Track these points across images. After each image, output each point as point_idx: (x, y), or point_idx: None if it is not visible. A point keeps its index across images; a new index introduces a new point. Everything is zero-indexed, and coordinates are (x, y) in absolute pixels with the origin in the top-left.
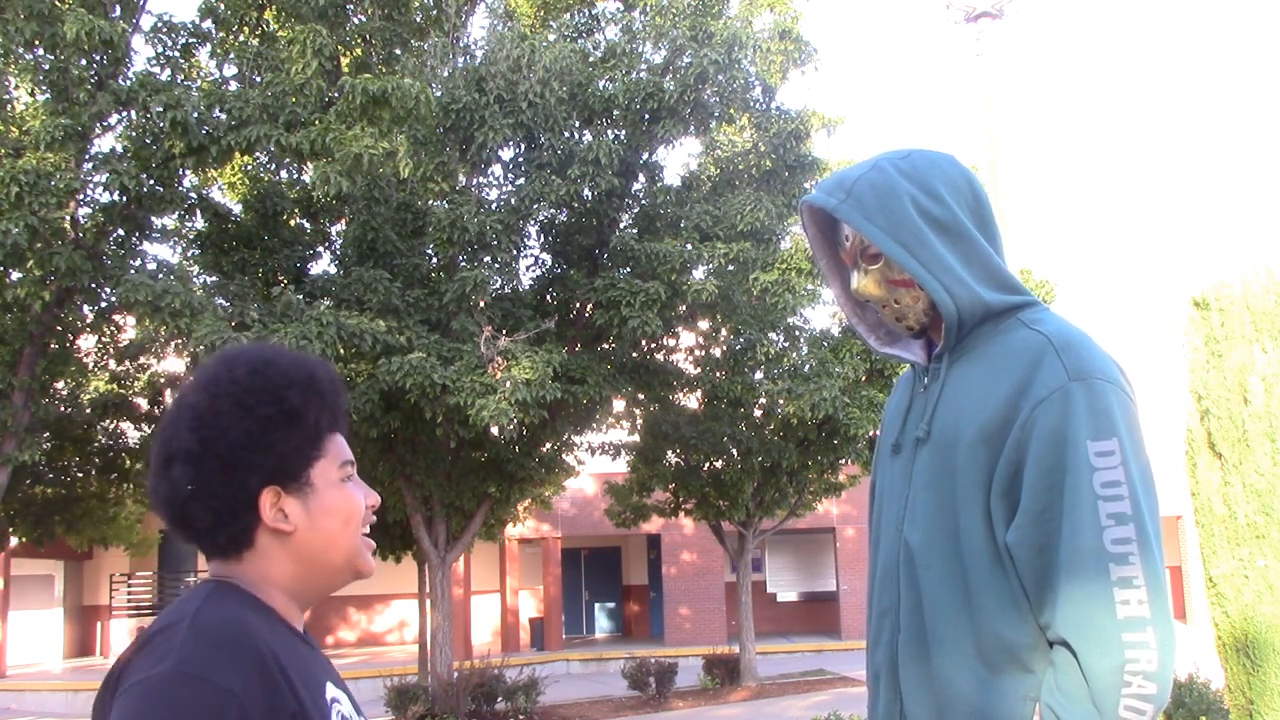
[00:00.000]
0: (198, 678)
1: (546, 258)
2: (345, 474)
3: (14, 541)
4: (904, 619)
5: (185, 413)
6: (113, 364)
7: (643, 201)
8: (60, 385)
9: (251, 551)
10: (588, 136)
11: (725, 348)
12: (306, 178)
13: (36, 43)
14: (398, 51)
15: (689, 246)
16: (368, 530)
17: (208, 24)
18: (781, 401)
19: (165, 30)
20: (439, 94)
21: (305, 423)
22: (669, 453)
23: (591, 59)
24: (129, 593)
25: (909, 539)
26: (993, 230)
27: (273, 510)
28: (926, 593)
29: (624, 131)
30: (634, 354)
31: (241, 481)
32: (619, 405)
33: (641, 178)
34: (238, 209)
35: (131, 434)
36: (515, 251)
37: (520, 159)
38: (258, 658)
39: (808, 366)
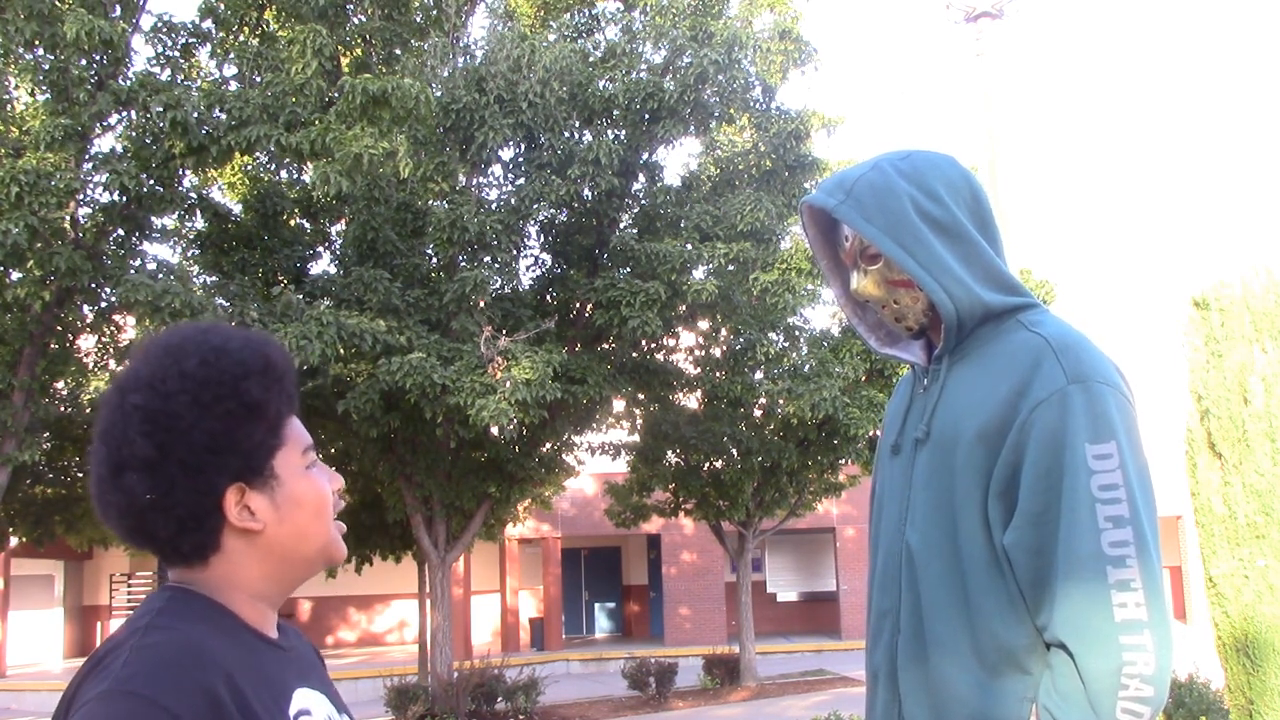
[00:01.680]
0: (136, 695)
1: (546, 258)
2: (309, 460)
3: (14, 541)
4: (904, 620)
5: (134, 415)
6: (113, 364)
7: (643, 201)
8: (60, 385)
9: (218, 555)
10: (588, 136)
11: (725, 348)
12: (306, 178)
13: (36, 43)
14: (398, 51)
15: (689, 246)
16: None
17: (208, 24)
18: (781, 401)
19: (165, 30)
20: (439, 94)
21: (267, 414)
22: (669, 453)
23: (591, 59)
24: (129, 592)
25: (909, 540)
26: (992, 231)
27: (238, 509)
28: (925, 593)
29: (624, 131)
30: (634, 354)
31: (206, 486)
32: (619, 405)
33: (641, 178)
34: (238, 209)
35: None
36: (515, 251)
37: (520, 159)
38: (205, 680)
39: (808, 366)
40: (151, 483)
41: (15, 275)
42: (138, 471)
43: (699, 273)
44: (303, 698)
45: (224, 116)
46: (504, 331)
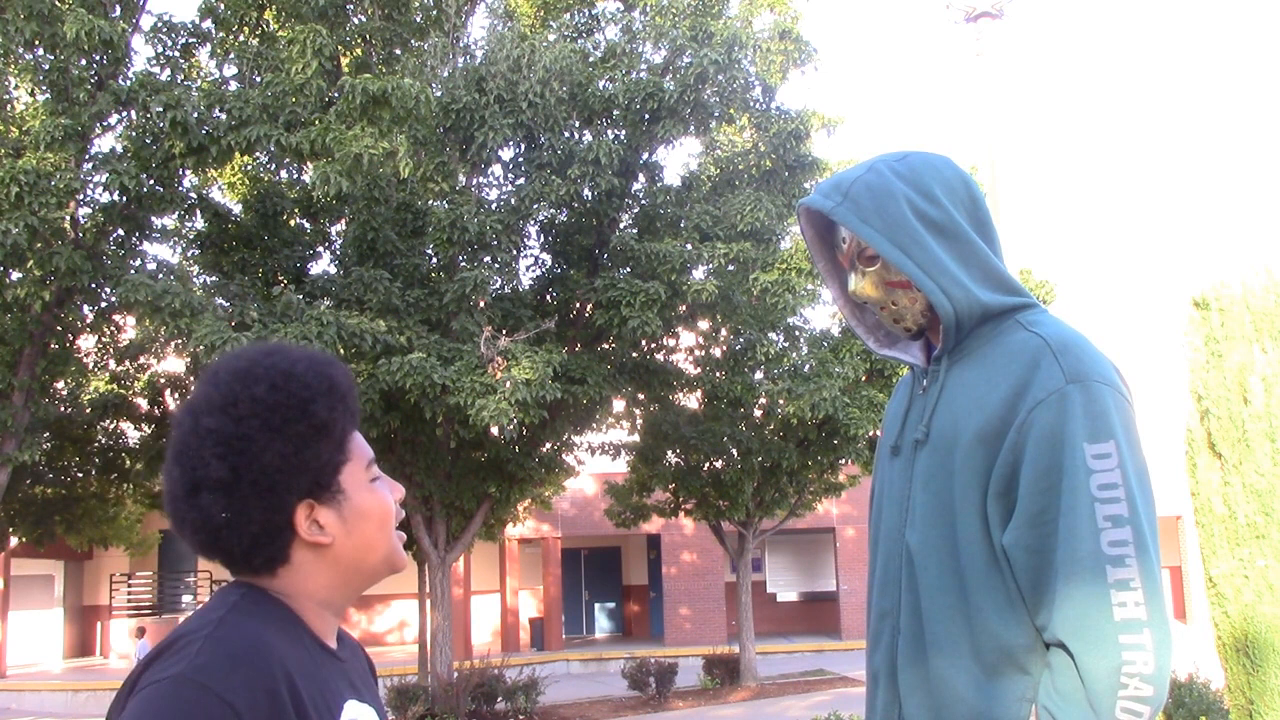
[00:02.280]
0: (204, 686)
1: (546, 258)
2: (373, 474)
3: (14, 541)
4: (903, 621)
5: (208, 439)
6: (113, 364)
7: (643, 201)
8: (60, 385)
9: (285, 567)
10: (588, 136)
11: (725, 348)
12: (306, 178)
13: (36, 43)
14: (398, 51)
15: (689, 246)
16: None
17: (208, 24)
18: (781, 401)
19: (165, 30)
20: (439, 94)
21: (333, 433)
22: (669, 453)
23: (591, 59)
24: (129, 593)
25: (909, 541)
26: (990, 231)
27: (309, 524)
28: (925, 594)
29: (624, 131)
30: (634, 354)
31: (278, 504)
32: (619, 405)
33: (641, 178)
34: (238, 209)
35: (131, 434)
36: (515, 251)
37: (520, 159)
38: (269, 680)
39: (808, 366)
40: (226, 502)
41: (15, 275)
42: (213, 492)
43: (699, 273)
44: (353, 709)
45: (224, 116)
46: (504, 331)
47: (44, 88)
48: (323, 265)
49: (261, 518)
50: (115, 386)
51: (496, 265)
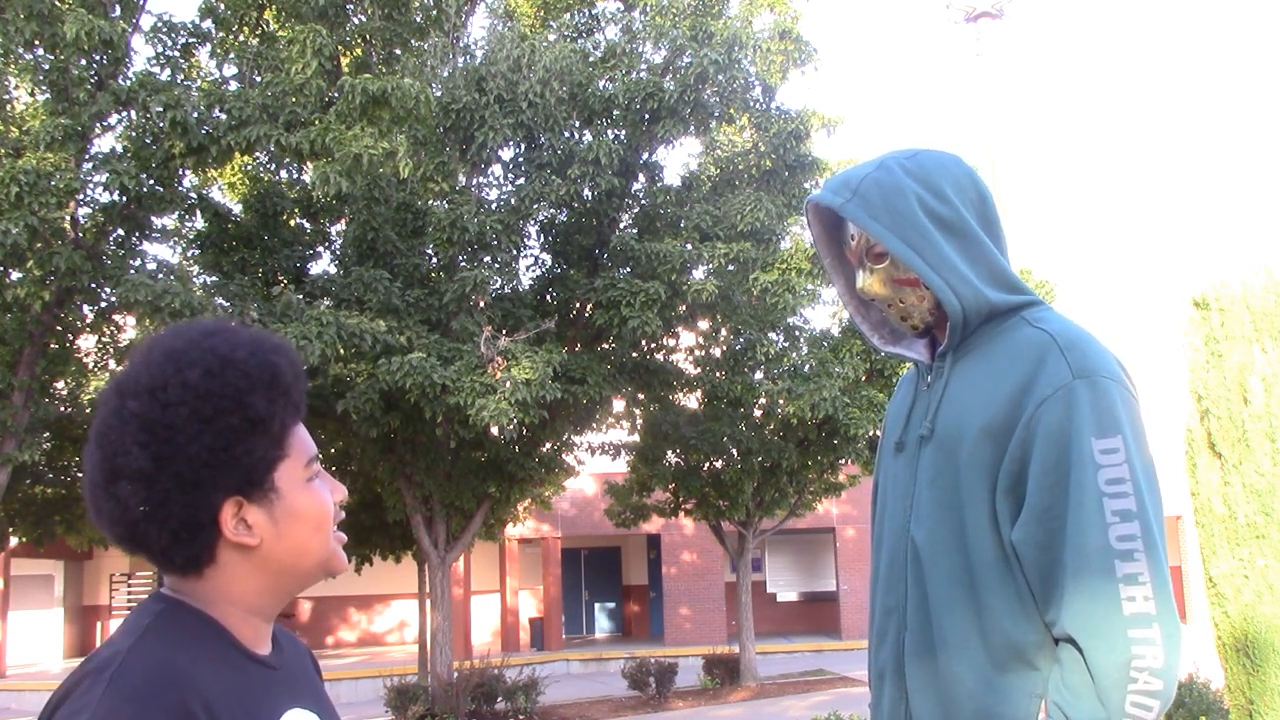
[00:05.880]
0: None
1: (546, 258)
2: (312, 472)
3: (14, 541)
4: (910, 617)
5: (131, 423)
6: (113, 364)
7: (643, 201)
8: (60, 385)
9: (212, 567)
10: (588, 136)
11: (725, 348)
12: (306, 178)
13: (36, 43)
14: (398, 51)
15: (689, 246)
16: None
17: (208, 24)
18: (781, 401)
19: (165, 30)
20: (439, 94)
21: (271, 428)
22: (669, 453)
23: (591, 59)
24: (129, 592)
25: (915, 537)
26: (997, 230)
27: (235, 522)
28: (932, 590)
29: (624, 131)
30: (634, 354)
31: (202, 500)
32: (619, 405)
33: (641, 178)
34: (238, 209)
35: None
36: (515, 251)
37: (520, 159)
38: (180, 715)
39: (808, 366)
40: (146, 494)
41: (15, 275)
42: (132, 482)
43: (699, 273)
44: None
45: (224, 116)
46: (504, 331)
47: (44, 88)
48: (323, 265)
49: (182, 514)
50: None
51: (496, 265)
